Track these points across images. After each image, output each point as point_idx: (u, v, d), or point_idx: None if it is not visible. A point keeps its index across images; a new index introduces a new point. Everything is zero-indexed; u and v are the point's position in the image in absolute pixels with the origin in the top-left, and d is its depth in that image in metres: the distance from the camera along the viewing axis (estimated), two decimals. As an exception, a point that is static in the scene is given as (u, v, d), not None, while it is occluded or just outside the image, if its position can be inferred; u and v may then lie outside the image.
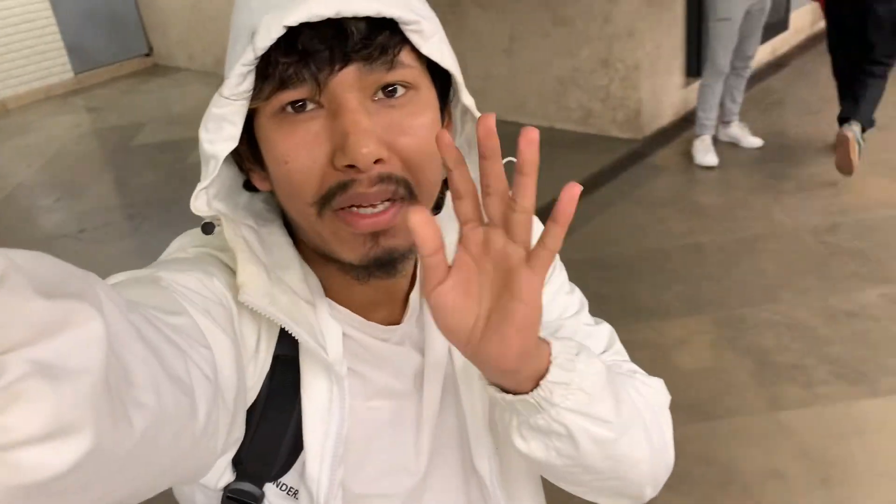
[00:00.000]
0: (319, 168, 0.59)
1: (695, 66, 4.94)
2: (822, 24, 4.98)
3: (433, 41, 0.60)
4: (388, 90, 0.59)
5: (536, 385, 0.58)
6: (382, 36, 0.57)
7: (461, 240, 0.55)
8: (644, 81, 4.67)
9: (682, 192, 4.16)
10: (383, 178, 0.59)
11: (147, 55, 8.39)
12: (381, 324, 0.72)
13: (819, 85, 5.06)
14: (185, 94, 7.24)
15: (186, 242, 0.70)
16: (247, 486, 0.67)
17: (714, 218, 3.82)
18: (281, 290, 0.65)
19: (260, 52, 0.56)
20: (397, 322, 0.73)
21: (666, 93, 4.91)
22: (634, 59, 4.61)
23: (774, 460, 2.33)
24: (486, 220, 0.55)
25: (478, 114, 0.65)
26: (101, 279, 0.42)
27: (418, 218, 0.49)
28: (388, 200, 0.60)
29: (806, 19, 6.11)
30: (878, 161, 4.12)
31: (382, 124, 0.59)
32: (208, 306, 0.59)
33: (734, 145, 4.49)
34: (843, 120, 3.96)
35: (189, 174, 5.36)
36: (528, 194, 0.52)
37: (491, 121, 0.51)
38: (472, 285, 0.55)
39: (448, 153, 0.52)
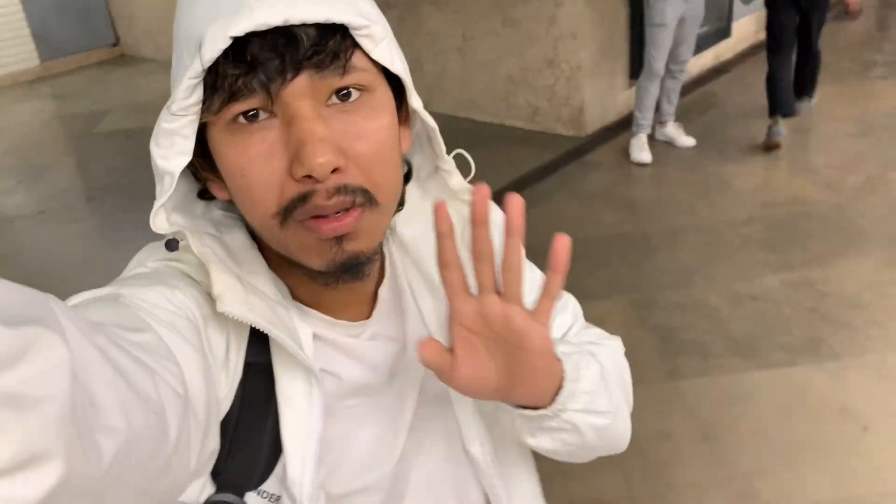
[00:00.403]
0: (278, 179, 0.58)
1: (637, 69, 5.19)
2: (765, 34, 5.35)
3: (382, 45, 0.60)
4: (342, 94, 0.58)
5: (552, 399, 0.65)
6: (333, 41, 0.56)
7: (453, 315, 0.60)
8: (587, 82, 4.92)
9: (616, 186, 4.41)
10: (340, 190, 0.58)
11: (114, 45, 8.51)
12: (350, 321, 0.72)
13: (755, 91, 5.33)
14: (150, 84, 7.37)
15: (145, 257, 0.67)
16: (228, 498, 0.65)
17: (642, 211, 4.07)
18: (257, 296, 0.64)
19: (207, 65, 0.55)
20: (366, 319, 0.74)
21: (609, 93, 5.16)
22: (578, 60, 4.85)
23: (666, 422, 2.57)
24: (472, 289, 0.60)
25: (426, 115, 0.66)
26: (61, 301, 0.41)
27: (428, 351, 0.59)
28: (347, 210, 0.60)
29: (749, 28, 6.41)
30: (797, 162, 4.42)
31: (338, 130, 0.58)
32: (173, 320, 0.58)
33: (669, 144, 4.75)
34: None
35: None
36: (515, 253, 0.59)
37: (485, 191, 0.58)
38: (480, 355, 0.60)
39: (442, 224, 0.59)
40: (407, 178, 0.72)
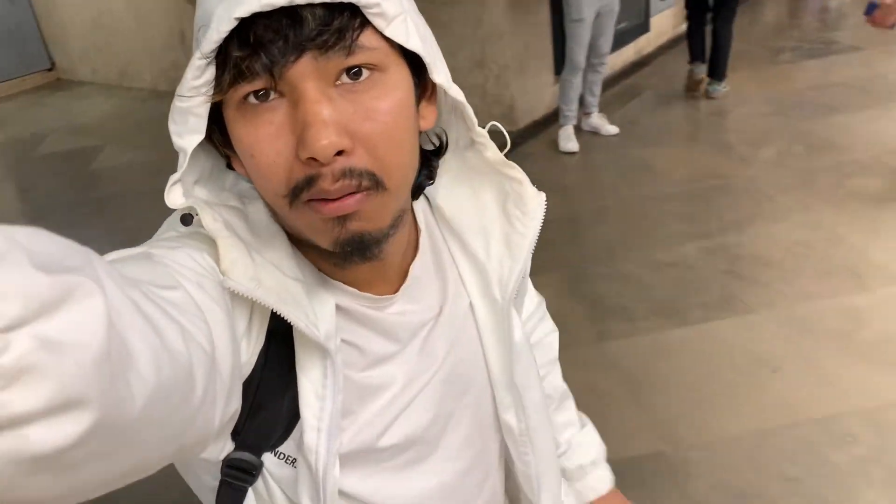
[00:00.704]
0: (285, 161, 0.58)
1: (561, 64, 5.42)
2: (683, 27, 5.84)
3: (396, 22, 0.58)
4: (353, 73, 0.57)
5: None
6: (340, 20, 0.55)
7: None
8: (515, 80, 5.15)
9: (547, 174, 4.64)
10: (346, 173, 0.57)
11: (49, 70, 8.48)
12: (376, 295, 0.72)
13: (674, 81, 5.69)
14: (88, 107, 7.39)
15: (165, 230, 0.68)
16: (245, 456, 0.67)
17: (572, 195, 4.30)
18: (266, 271, 0.64)
19: (212, 46, 0.55)
20: (392, 292, 0.73)
21: (536, 89, 5.40)
22: (505, 60, 5.08)
23: (595, 379, 2.77)
24: None
25: (452, 90, 0.65)
26: (98, 255, 0.42)
27: None
28: (352, 193, 0.59)
29: (667, 23, 6.74)
30: (713, 141, 4.72)
31: (346, 111, 0.57)
32: (201, 281, 0.58)
33: (595, 133, 5.01)
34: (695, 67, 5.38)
35: (94, 179, 5.58)
36: None
37: None
38: None
39: None
40: (440, 150, 0.73)
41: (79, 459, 0.36)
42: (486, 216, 0.75)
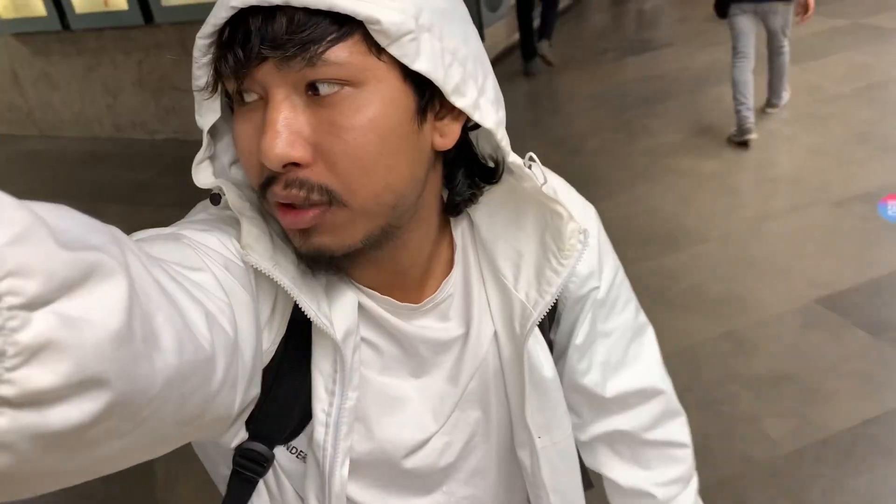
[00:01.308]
0: (256, 160, 0.57)
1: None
2: (516, 37, 6.40)
3: (404, 40, 0.54)
4: (314, 86, 0.54)
5: None
6: (312, 31, 0.52)
7: None
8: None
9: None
10: (296, 183, 0.56)
11: None
12: (398, 301, 0.69)
13: (510, 87, 6.09)
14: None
15: (197, 210, 0.67)
16: (258, 447, 0.66)
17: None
18: (286, 256, 0.62)
19: (207, 32, 0.55)
20: (415, 303, 0.70)
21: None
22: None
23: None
24: None
25: (478, 116, 0.60)
26: (123, 233, 0.42)
27: None
28: (311, 205, 0.57)
29: (501, 33, 7.17)
30: (546, 136, 5.10)
31: (310, 122, 0.55)
32: (228, 264, 0.58)
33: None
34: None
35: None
36: None
37: None
38: None
39: None
40: (492, 175, 0.69)
41: (95, 437, 0.36)
42: (523, 242, 0.70)
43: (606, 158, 4.57)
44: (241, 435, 0.65)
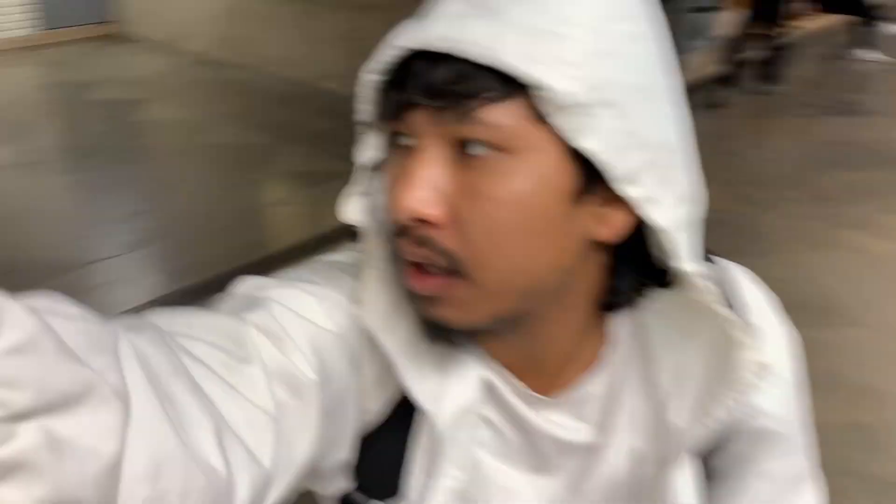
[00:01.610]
0: None
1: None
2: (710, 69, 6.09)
3: (575, 112, 0.48)
4: (467, 146, 0.50)
5: None
6: (471, 84, 0.48)
7: None
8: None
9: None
10: (423, 241, 0.51)
11: (111, 22, 8.85)
12: (527, 387, 0.62)
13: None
14: (139, 63, 7.73)
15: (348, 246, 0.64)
16: (360, 499, 0.63)
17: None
18: (403, 322, 0.58)
19: (375, 68, 0.53)
20: (547, 391, 0.62)
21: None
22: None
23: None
24: None
25: (647, 214, 0.51)
26: (145, 330, 0.42)
27: None
28: (436, 267, 0.52)
29: (697, 63, 6.99)
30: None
31: (455, 182, 0.51)
32: (315, 339, 0.55)
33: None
34: None
35: (136, 129, 5.90)
36: None
37: None
38: None
39: None
40: (661, 276, 0.58)
41: None
42: (689, 356, 0.60)
43: (778, 214, 4.39)
44: (339, 484, 0.63)
